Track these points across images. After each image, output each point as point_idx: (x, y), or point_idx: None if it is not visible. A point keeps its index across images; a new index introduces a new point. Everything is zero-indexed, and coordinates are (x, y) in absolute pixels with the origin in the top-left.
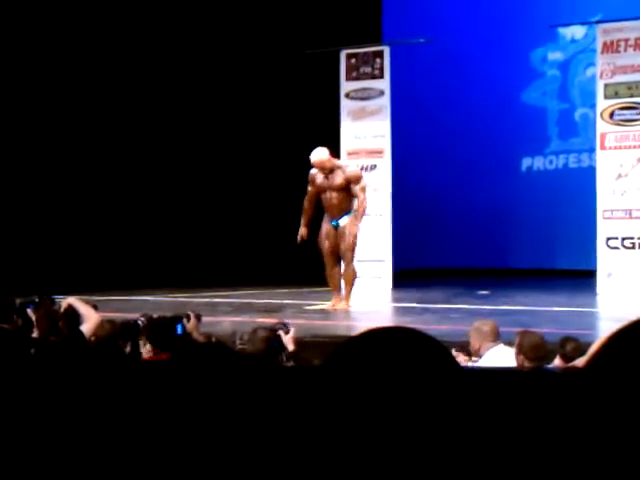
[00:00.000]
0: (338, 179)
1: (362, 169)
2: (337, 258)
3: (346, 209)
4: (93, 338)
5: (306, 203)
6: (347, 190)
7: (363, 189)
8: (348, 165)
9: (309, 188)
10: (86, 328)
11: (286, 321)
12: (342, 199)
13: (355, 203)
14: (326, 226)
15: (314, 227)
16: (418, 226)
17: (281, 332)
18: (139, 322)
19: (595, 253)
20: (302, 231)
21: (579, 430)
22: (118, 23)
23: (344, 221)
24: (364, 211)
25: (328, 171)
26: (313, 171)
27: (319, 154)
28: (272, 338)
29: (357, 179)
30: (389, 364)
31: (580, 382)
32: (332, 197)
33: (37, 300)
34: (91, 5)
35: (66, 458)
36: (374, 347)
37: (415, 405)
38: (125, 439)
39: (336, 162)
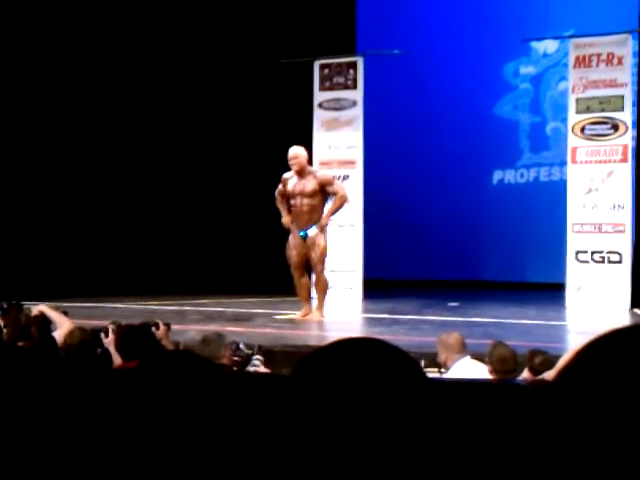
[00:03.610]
0: (310, 184)
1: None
2: (305, 268)
3: (315, 219)
4: (63, 345)
5: (278, 198)
6: (319, 197)
7: (341, 187)
8: (319, 170)
9: (279, 187)
10: (58, 335)
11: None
12: (312, 207)
13: (324, 211)
14: (293, 236)
15: (281, 237)
16: (389, 237)
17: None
18: (110, 329)
19: (565, 266)
20: (286, 219)
21: (547, 443)
22: (109, 27)
23: (312, 232)
24: (341, 206)
25: (301, 173)
26: (286, 175)
27: (299, 148)
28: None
29: (330, 181)
30: (357, 374)
31: (548, 395)
32: (303, 204)
33: (5, 306)
34: (90, 6)
35: (36, 463)
36: (342, 357)
37: (381, 416)
38: (95, 446)
39: (309, 167)
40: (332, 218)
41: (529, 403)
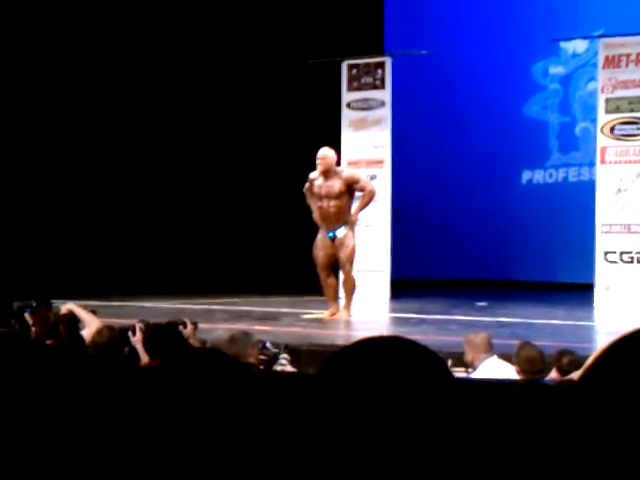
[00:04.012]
0: (336, 185)
1: None
2: (332, 268)
3: (343, 220)
4: (92, 343)
5: (308, 194)
6: (345, 197)
7: (368, 182)
8: (343, 170)
9: (307, 185)
10: (87, 333)
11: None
12: (340, 208)
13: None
14: (321, 237)
15: (309, 237)
16: (417, 236)
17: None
18: (137, 328)
19: (593, 267)
20: (317, 215)
21: (573, 442)
22: (120, 25)
23: (341, 232)
24: (370, 201)
25: (327, 174)
26: (312, 174)
27: (328, 150)
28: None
29: (356, 179)
30: (382, 373)
31: (574, 395)
32: (329, 206)
33: (34, 304)
34: (91, 6)
35: (63, 462)
36: (368, 356)
37: (408, 415)
38: (122, 444)
39: (335, 168)
40: (360, 216)
41: (555, 403)
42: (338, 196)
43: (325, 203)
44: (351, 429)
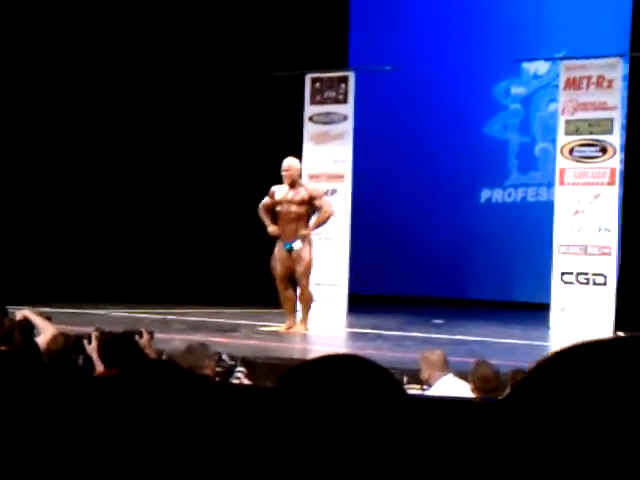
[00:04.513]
0: (301, 193)
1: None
2: (290, 281)
3: (300, 229)
4: (46, 351)
5: (262, 209)
6: (306, 207)
7: (327, 202)
8: (309, 184)
9: (266, 199)
10: (42, 340)
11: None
12: (300, 216)
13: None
14: (279, 249)
15: (267, 249)
16: (375, 252)
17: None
18: (93, 336)
19: (550, 287)
20: (272, 228)
21: (491, 461)
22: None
23: (298, 245)
24: (326, 220)
25: (291, 185)
26: (275, 187)
27: (293, 160)
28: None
29: (318, 195)
30: (336, 390)
31: (495, 412)
32: (290, 211)
33: None
34: (90, 7)
35: (12, 471)
36: (324, 373)
37: (360, 431)
38: (73, 454)
39: (300, 180)
40: (315, 231)
41: (477, 421)
42: (300, 203)
43: (285, 207)
44: (304, 444)
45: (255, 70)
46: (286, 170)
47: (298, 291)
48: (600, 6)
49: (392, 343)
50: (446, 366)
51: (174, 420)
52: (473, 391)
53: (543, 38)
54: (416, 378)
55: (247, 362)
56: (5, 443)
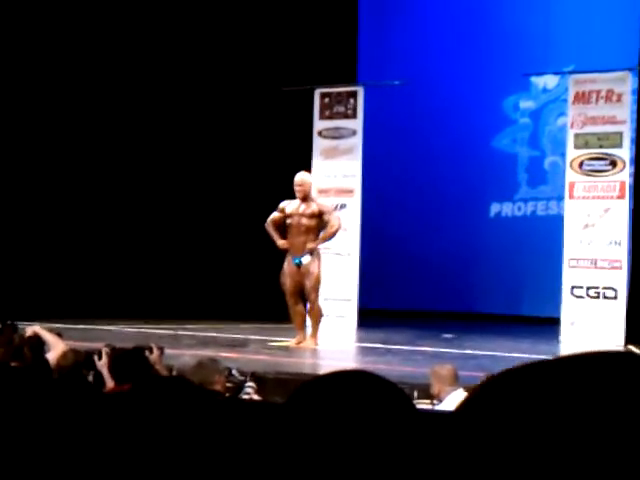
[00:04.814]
0: (311, 207)
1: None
2: (300, 296)
3: (308, 242)
4: (56, 367)
5: (270, 224)
6: (316, 221)
7: (337, 218)
8: (319, 198)
9: (275, 214)
10: (52, 356)
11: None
12: (309, 229)
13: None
14: (288, 264)
15: (277, 264)
16: (385, 267)
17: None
18: (103, 352)
19: (560, 301)
20: (282, 242)
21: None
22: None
23: (306, 259)
24: (333, 234)
25: (303, 200)
26: (284, 203)
27: (306, 175)
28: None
29: (328, 210)
30: (347, 406)
31: (448, 424)
32: (300, 223)
33: None
34: (89, 7)
35: None
36: (334, 389)
37: (369, 447)
38: (84, 470)
39: (312, 195)
40: (324, 246)
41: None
42: (310, 216)
43: (296, 220)
44: (314, 459)
45: (265, 85)
46: (299, 185)
47: (308, 306)
48: (609, 20)
49: (402, 357)
50: (456, 380)
51: (185, 436)
52: None
53: (552, 52)
54: (426, 393)
55: (257, 377)
56: (16, 459)
